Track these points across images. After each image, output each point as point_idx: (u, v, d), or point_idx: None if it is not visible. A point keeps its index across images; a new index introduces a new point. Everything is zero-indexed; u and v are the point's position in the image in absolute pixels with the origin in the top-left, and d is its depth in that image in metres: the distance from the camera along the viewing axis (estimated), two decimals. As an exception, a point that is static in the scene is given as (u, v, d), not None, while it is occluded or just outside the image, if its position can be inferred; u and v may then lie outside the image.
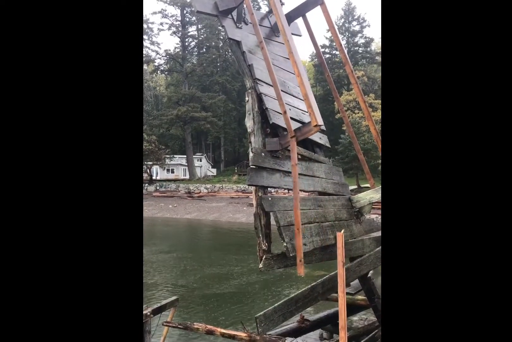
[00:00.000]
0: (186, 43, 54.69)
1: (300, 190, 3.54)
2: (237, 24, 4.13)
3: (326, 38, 59.18)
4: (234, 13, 4.13)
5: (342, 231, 3.28)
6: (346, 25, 58.13)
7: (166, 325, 5.14)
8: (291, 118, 3.56)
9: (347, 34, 58.14)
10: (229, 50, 61.93)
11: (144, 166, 43.32)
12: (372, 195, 4.10)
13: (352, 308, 5.11)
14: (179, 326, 5.01)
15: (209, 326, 4.71)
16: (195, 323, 4.85)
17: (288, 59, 3.91)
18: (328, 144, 4.77)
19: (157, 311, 5.07)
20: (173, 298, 5.54)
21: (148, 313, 4.83)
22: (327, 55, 59.97)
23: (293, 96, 4.36)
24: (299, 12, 4.66)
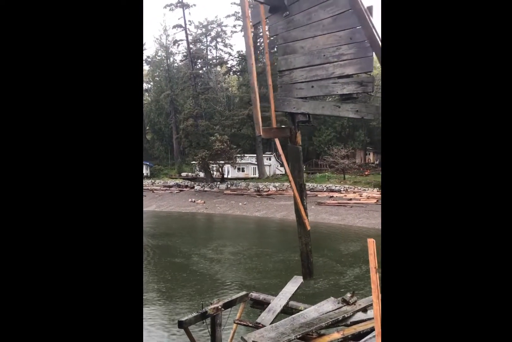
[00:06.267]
0: (258, 44, 55.48)
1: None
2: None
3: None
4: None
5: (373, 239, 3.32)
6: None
7: (238, 323, 5.25)
8: (310, 97, 3.90)
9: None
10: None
11: (217, 165, 44.79)
12: None
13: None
14: (249, 325, 5.09)
15: (277, 324, 4.72)
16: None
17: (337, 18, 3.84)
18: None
19: (228, 305, 5.24)
20: (243, 293, 5.64)
21: (219, 307, 5.00)
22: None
23: (329, 62, 4.11)
24: None
